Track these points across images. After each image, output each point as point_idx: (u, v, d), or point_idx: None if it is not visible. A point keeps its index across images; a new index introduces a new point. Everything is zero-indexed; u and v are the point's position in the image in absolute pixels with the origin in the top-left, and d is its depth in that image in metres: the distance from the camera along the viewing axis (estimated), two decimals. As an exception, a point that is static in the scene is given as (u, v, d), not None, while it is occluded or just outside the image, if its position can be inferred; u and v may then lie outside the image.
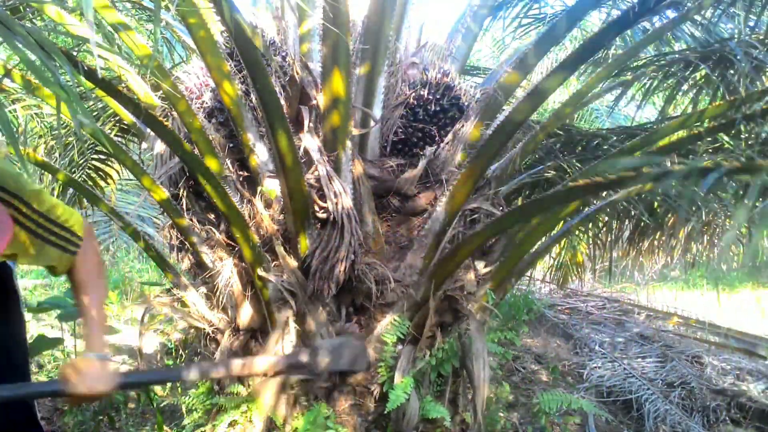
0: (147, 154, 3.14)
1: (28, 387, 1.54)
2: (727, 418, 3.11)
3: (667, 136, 2.37)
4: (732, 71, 2.62)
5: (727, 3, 2.52)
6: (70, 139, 3.62)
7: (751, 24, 2.76)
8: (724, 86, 2.70)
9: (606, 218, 3.85)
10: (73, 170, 3.57)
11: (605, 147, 3.13)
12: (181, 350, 3.62)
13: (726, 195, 3.20)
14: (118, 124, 3.62)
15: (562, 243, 4.44)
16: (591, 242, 4.19)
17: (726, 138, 2.69)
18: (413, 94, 2.47)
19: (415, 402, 2.11)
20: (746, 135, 2.50)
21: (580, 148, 3.28)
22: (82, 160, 3.68)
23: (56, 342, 2.57)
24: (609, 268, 4.10)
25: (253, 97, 2.19)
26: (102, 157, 3.85)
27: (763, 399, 3.19)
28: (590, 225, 4.02)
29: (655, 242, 3.86)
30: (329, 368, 1.82)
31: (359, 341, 2.10)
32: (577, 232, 4.16)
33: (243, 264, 2.36)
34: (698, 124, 2.38)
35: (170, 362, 3.70)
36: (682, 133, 2.39)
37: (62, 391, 1.37)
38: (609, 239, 3.79)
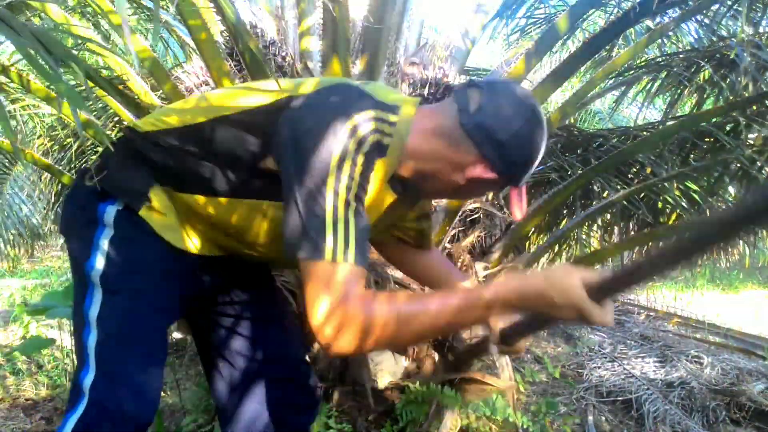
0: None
1: None
2: (727, 418, 3.10)
3: (668, 136, 2.37)
4: (735, 73, 2.61)
5: (728, 4, 2.52)
6: (69, 139, 3.61)
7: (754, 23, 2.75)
8: (728, 87, 2.69)
9: (609, 219, 3.84)
10: (73, 172, 3.57)
11: (606, 147, 3.13)
12: (181, 350, 3.62)
13: (729, 196, 3.20)
14: (118, 125, 3.61)
15: (573, 246, 4.43)
16: (596, 243, 4.17)
17: (726, 138, 2.68)
18: (413, 94, 2.46)
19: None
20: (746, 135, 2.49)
21: (581, 149, 3.28)
22: (82, 162, 3.68)
23: (49, 342, 2.52)
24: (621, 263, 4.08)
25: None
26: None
27: (763, 399, 3.18)
28: (594, 226, 4.01)
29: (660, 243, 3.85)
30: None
31: None
32: (583, 235, 4.15)
33: (243, 264, 2.36)
34: (700, 123, 2.38)
35: (171, 362, 3.70)
36: (682, 134, 2.39)
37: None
38: (614, 240, 3.78)
